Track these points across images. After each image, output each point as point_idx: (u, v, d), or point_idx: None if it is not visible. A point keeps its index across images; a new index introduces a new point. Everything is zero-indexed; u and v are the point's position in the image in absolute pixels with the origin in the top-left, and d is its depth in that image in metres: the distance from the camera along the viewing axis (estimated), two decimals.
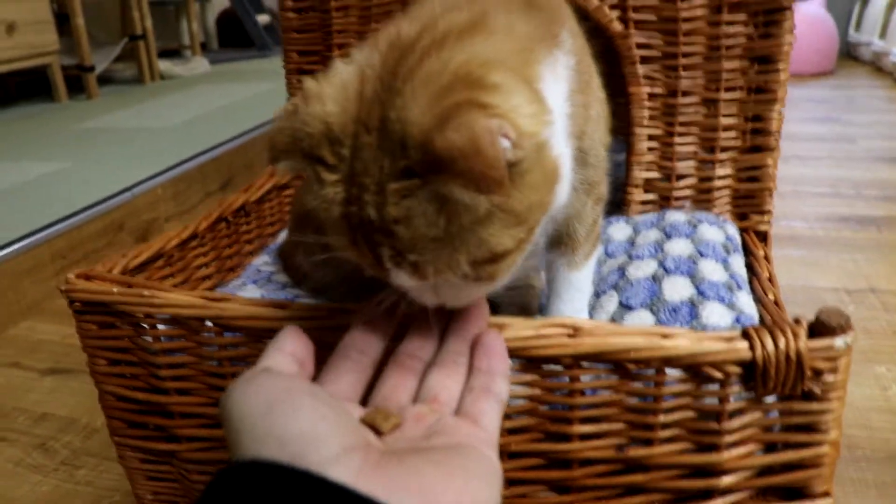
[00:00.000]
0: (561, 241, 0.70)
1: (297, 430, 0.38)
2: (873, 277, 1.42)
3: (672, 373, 0.54)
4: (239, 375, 0.43)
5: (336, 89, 0.46)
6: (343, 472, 0.36)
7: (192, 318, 0.64)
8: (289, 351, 0.48)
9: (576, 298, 0.73)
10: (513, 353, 0.54)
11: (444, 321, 0.54)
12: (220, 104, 2.99)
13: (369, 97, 0.44)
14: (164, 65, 3.72)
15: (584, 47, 0.65)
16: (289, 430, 0.38)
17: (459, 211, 0.42)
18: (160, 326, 0.67)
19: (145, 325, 0.67)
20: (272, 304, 0.62)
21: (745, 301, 0.74)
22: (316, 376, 0.50)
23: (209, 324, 0.64)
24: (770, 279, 0.81)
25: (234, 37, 4.77)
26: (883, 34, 3.50)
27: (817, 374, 0.53)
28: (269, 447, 0.37)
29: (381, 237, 0.44)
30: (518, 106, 0.41)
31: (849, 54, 3.99)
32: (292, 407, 0.39)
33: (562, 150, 0.50)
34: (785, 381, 0.53)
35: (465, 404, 0.47)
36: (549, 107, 0.45)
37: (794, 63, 3.46)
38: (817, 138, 2.48)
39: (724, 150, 0.95)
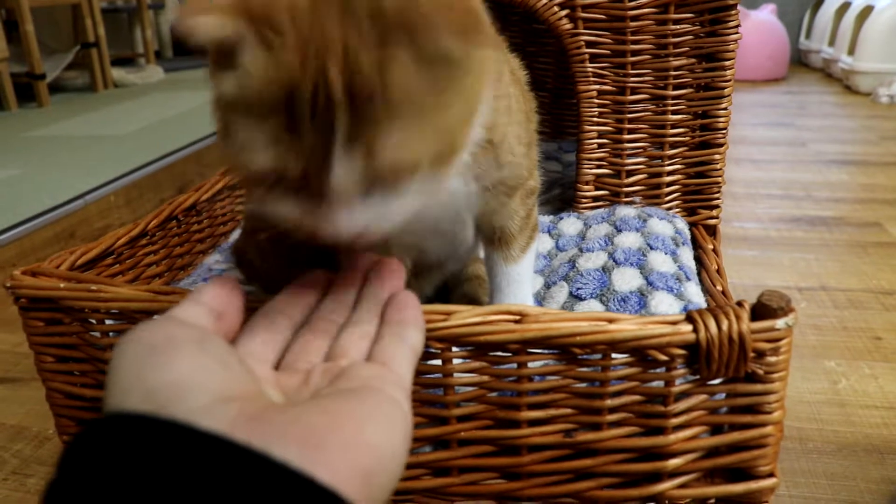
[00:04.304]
0: (493, 237, 0.70)
1: (168, 379, 0.35)
2: (823, 276, 1.44)
3: (618, 357, 0.55)
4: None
5: None
6: (215, 422, 0.33)
7: (141, 312, 0.63)
8: (206, 301, 0.45)
9: (518, 291, 0.72)
10: (460, 340, 0.55)
11: (361, 284, 0.53)
12: (173, 112, 2.95)
13: None
14: (117, 73, 3.66)
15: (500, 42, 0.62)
16: (160, 379, 0.35)
17: (434, 78, 0.42)
18: (108, 322, 0.66)
19: (93, 321, 0.66)
20: None
21: (694, 291, 0.76)
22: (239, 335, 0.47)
23: (157, 317, 0.63)
24: (718, 271, 0.82)
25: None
26: (832, 42, 3.58)
27: (760, 355, 0.54)
28: (135, 397, 0.35)
29: (341, 112, 0.40)
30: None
31: (800, 61, 4.07)
32: (170, 355, 0.37)
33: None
34: (728, 362, 0.53)
35: (375, 351, 0.46)
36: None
37: (747, 69, 3.53)
38: (770, 142, 2.52)
39: (673, 146, 0.97)
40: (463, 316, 0.54)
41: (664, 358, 0.54)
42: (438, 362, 0.56)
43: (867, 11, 3.25)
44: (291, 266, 0.68)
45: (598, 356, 0.55)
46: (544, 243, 0.91)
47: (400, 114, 0.41)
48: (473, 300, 0.80)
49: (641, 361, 0.55)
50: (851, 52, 3.31)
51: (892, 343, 1.18)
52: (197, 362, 0.37)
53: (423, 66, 0.41)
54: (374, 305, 0.51)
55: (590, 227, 0.91)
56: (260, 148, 0.42)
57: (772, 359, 0.54)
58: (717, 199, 0.96)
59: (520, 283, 0.72)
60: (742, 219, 1.78)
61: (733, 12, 0.90)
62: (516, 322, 0.54)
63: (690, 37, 0.93)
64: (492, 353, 0.56)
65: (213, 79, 0.44)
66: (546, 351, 0.55)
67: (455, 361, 0.56)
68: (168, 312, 0.43)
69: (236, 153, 0.43)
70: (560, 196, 1.02)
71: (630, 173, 0.98)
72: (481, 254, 0.79)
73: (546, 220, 0.97)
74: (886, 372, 1.09)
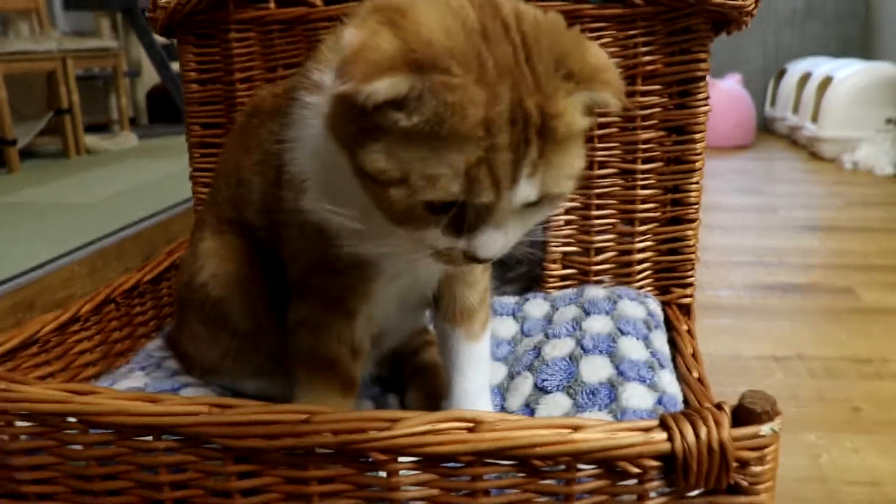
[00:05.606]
0: (455, 311, 0.68)
1: None
2: (799, 344, 1.43)
3: (585, 468, 0.50)
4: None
5: (433, 5, 0.48)
6: None
7: (53, 413, 0.58)
8: None
9: (480, 373, 0.69)
10: (406, 451, 0.50)
11: None
12: (146, 179, 2.92)
13: (475, 12, 0.48)
14: (90, 139, 3.64)
15: None
16: None
17: (587, 124, 0.51)
18: (18, 423, 0.60)
19: (1, 423, 0.60)
20: (143, 398, 0.56)
21: (668, 380, 0.72)
22: None
23: (73, 420, 0.58)
24: (694, 355, 0.78)
25: (165, 112, 4.72)
26: (796, 110, 3.67)
27: (743, 465, 0.49)
28: None
29: (534, 134, 0.47)
30: None
31: (766, 129, 4.16)
32: None
33: None
34: (708, 474, 0.49)
35: None
36: None
37: (715, 137, 3.58)
38: (740, 209, 2.54)
39: (644, 222, 0.94)
40: (409, 424, 0.48)
41: (636, 470, 0.49)
42: (383, 475, 0.51)
43: (827, 81, 3.35)
44: (232, 339, 0.73)
45: (562, 468, 0.50)
46: (508, 327, 0.87)
47: (566, 149, 0.49)
48: (432, 391, 0.74)
49: (610, 473, 0.50)
50: (815, 119, 3.39)
51: (872, 414, 1.16)
52: None
53: (586, 112, 0.50)
54: None
55: (557, 309, 0.87)
56: (451, 177, 0.47)
57: (756, 468, 0.49)
58: (691, 276, 0.93)
59: (481, 363, 0.70)
60: (716, 287, 1.77)
61: (702, 84, 0.89)
62: (469, 430, 0.48)
63: (659, 109, 0.91)
64: (443, 465, 0.51)
65: (379, 118, 0.47)
66: (504, 462, 0.50)
67: (402, 473, 0.51)
68: None
69: (417, 188, 0.47)
70: (527, 273, 0.98)
71: (599, 251, 0.95)
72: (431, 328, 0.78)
73: (511, 301, 0.93)
74: (867, 445, 1.07)
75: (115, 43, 4.02)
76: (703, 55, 0.87)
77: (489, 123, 0.46)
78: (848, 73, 3.29)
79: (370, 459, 0.50)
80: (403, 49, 0.45)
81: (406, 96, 0.46)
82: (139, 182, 2.86)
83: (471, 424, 0.49)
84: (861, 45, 4.07)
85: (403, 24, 0.46)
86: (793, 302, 1.66)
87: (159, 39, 4.18)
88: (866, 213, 2.42)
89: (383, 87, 0.45)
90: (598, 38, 0.89)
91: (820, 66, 3.54)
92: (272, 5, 0.98)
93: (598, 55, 0.51)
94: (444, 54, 0.45)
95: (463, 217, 0.49)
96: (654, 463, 0.48)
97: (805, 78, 3.61)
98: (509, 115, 0.46)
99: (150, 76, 4.73)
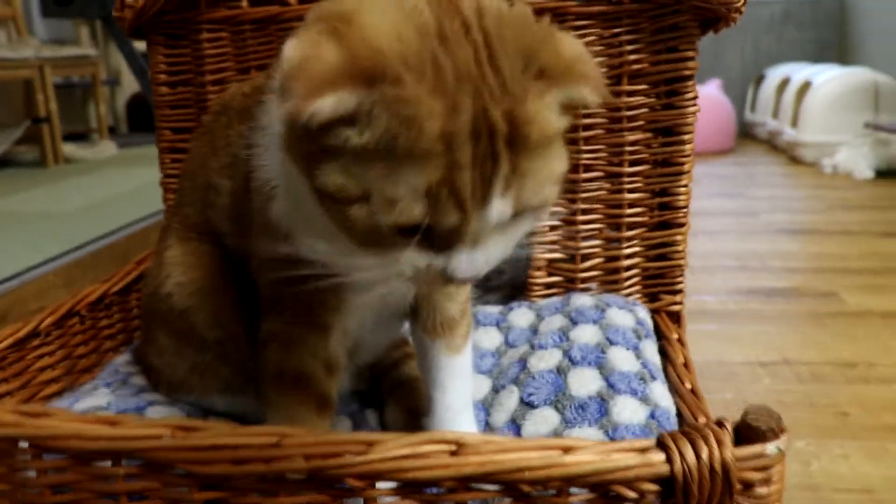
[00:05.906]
0: (435, 322, 0.65)
1: None
2: (785, 348, 1.42)
3: (577, 493, 0.46)
4: None
5: (385, 5, 0.45)
6: None
7: (3, 438, 0.53)
8: None
9: (462, 388, 0.66)
10: (384, 476, 0.46)
11: None
12: (124, 189, 2.90)
13: (432, 11, 0.44)
14: (68, 148, 3.59)
15: None
16: None
17: (563, 125, 0.47)
18: None
19: None
20: (101, 420, 0.52)
21: (660, 392, 0.69)
22: None
23: (24, 445, 0.54)
24: (686, 365, 0.76)
25: (145, 121, 4.68)
26: (776, 115, 3.69)
27: (747, 486, 0.46)
28: None
29: (503, 147, 0.43)
30: None
31: (746, 134, 4.18)
32: None
33: None
34: (710, 497, 0.45)
35: None
36: None
37: (696, 142, 3.58)
38: (722, 213, 2.55)
39: (631, 227, 0.92)
40: (387, 447, 0.45)
41: (633, 494, 0.45)
42: (360, 502, 0.48)
43: (806, 87, 3.39)
44: (198, 352, 0.70)
45: (553, 493, 0.46)
46: (492, 338, 0.84)
47: (544, 155, 0.45)
48: (412, 407, 0.71)
49: (605, 498, 0.46)
50: (794, 124, 3.42)
51: (860, 419, 1.16)
52: None
53: (561, 112, 0.47)
54: None
55: (543, 318, 0.85)
56: (412, 199, 0.43)
57: (762, 490, 0.46)
58: (680, 283, 0.91)
59: (463, 377, 0.67)
60: (700, 292, 1.76)
61: (689, 84, 0.87)
62: (452, 454, 0.45)
63: (646, 110, 0.88)
64: (424, 491, 0.47)
65: (329, 138, 0.44)
66: (489, 487, 0.46)
67: (380, 500, 0.48)
68: None
69: (378, 210, 0.44)
70: (510, 281, 0.95)
71: (585, 257, 0.93)
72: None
73: (495, 310, 0.90)
74: (856, 451, 1.06)
75: (94, 51, 3.99)
76: (690, 53, 0.85)
77: (448, 138, 0.42)
78: (826, 78, 3.33)
79: (346, 486, 0.47)
80: (348, 60, 0.41)
81: (355, 112, 0.42)
82: (118, 191, 2.84)
83: (454, 447, 0.45)
84: (838, 50, 4.10)
85: (348, 31, 0.42)
86: (777, 306, 1.66)
87: (139, 47, 4.17)
88: (846, 217, 2.43)
89: (328, 105, 0.41)
90: (582, 36, 0.87)
91: (798, 72, 3.58)
92: (245, 4, 0.95)
93: (571, 46, 0.47)
94: (395, 62, 0.42)
95: (434, 237, 0.46)
96: (652, 486, 0.45)
97: (784, 83, 3.64)
98: (471, 127, 0.42)
99: (129, 85, 4.70)
